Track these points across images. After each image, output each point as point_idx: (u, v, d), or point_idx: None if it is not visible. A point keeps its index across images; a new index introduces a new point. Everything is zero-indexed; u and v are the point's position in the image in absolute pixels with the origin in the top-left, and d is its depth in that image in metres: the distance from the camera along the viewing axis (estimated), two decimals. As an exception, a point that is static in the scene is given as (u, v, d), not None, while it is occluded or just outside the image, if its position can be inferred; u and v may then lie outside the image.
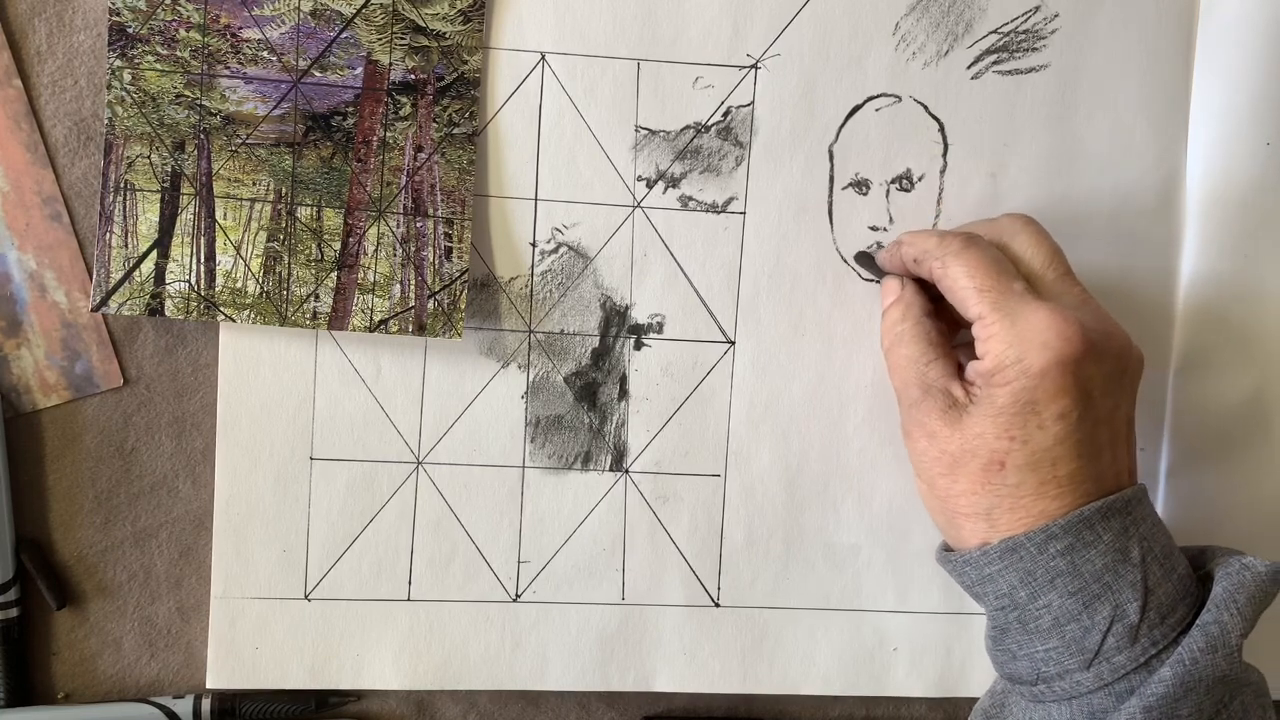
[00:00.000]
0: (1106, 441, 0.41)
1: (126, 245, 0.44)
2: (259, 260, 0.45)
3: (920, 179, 0.48)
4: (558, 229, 0.47)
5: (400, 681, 0.48)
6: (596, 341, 0.48)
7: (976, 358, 0.41)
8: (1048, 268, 0.42)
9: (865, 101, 0.48)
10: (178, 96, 0.44)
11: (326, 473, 0.47)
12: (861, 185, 0.48)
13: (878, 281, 0.47)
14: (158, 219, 0.44)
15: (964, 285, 0.41)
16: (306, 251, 0.45)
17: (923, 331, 0.43)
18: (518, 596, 0.48)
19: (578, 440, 0.48)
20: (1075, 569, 0.39)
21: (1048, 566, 0.39)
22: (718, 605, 0.49)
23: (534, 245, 0.47)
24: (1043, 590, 0.39)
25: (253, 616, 0.47)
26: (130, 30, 0.44)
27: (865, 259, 0.48)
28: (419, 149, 0.45)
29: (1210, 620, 0.38)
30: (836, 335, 0.49)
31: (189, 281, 0.45)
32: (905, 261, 0.44)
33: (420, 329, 0.46)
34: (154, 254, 0.45)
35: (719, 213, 0.48)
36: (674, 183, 0.48)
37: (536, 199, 0.47)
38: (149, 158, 0.44)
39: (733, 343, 0.48)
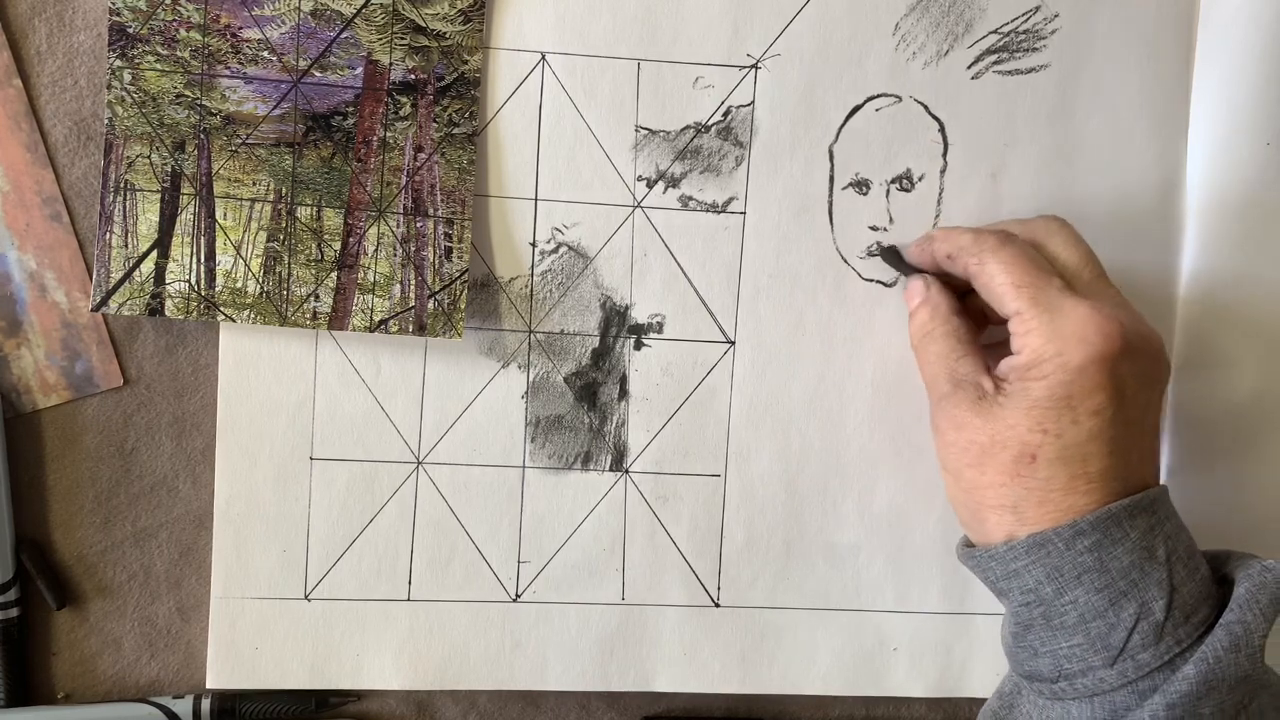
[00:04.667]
0: (1136, 441, 0.41)
1: (126, 245, 0.44)
2: (259, 260, 0.45)
3: (920, 179, 0.48)
4: (558, 229, 0.47)
5: (400, 681, 0.48)
6: (596, 341, 0.48)
7: (1000, 359, 0.42)
8: (1083, 268, 0.43)
9: (865, 101, 0.48)
10: (178, 96, 0.44)
11: (326, 473, 0.47)
12: (861, 185, 0.48)
13: (905, 275, 0.47)
14: (158, 219, 0.44)
15: (1001, 282, 0.41)
16: (306, 251, 0.45)
17: (951, 329, 0.44)
18: (518, 596, 0.48)
19: (578, 440, 0.48)
20: (1103, 565, 0.39)
21: (1075, 562, 0.39)
22: (718, 605, 0.49)
23: (534, 245, 0.47)
24: (1069, 586, 0.39)
25: (253, 616, 0.47)
26: (130, 30, 0.44)
27: (892, 254, 0.48)
28: (419, 149, 0.45)
29: (1234, 620, 0.38)
30: (836, 335, 0.49)
31: (189, 281, 0.45)
32: (937, 257, 0.44)
33: (420, 329, 0.46)
34: (154, 254, 0.45)
35: (719, 213, 0.48)
36: (674, 183, 0.48)
37: (536, 199, 0.47)
38: (149, 158, 0.44)
39: (733, 343, 0.48)
